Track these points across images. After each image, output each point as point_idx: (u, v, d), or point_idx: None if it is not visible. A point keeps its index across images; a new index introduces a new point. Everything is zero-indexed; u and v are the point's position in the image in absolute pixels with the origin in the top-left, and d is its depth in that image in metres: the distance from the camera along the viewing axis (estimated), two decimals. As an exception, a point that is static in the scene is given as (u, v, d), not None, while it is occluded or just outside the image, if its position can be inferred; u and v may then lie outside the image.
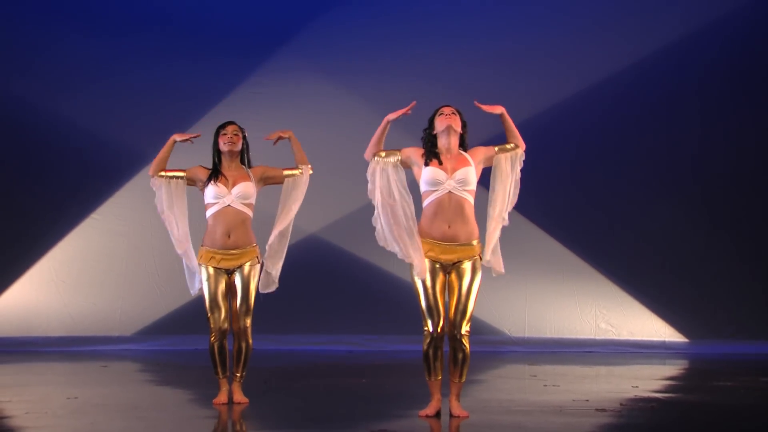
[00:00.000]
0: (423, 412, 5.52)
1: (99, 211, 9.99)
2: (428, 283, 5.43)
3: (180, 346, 9.60)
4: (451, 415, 5.48)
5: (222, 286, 5.93)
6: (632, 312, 10.25)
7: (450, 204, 5.46)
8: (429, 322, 5.42)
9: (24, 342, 9.83)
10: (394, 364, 8.89)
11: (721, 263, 10.27)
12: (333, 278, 9.91)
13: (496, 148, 5.71)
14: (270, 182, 6.19)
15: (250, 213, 6.03)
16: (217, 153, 6.12)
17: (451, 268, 5.48)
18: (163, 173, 6.06)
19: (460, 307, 5.42)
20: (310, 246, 10.03)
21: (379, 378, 7.41)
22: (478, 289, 5.47)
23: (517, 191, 5.70)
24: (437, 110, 5.70)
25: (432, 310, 5.42)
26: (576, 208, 10.34)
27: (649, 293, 10.22)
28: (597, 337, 10.23)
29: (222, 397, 5.99)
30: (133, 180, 9.92)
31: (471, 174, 5.52)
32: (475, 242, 5.50)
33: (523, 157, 5.75)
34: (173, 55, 10.12)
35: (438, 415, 5.53)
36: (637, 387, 6.97)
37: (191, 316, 9.30)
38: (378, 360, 8.94)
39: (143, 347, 9.70)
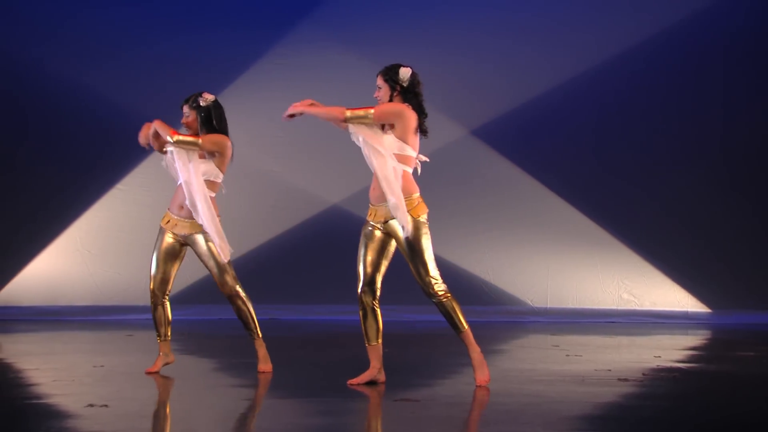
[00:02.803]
0: (353, 380, 5.52)
1: (124, 182, 10.04)
2: (361, 245, 5.52)
3: (204, 315, 9.65)
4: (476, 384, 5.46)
5: (164, 247, 5.96)
6: (654, 282, 10.21)
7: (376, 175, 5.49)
8: (358, 283, 5.54)
9: (50, 311, 9.91)
10: (415, 334, 8.90)
11: (745, 233, 10.21)
12: (355, 248, 9.94)
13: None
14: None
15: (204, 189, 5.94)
16: None
17: (386, 228, 5.47)
18: None
19: (414, 265, 5.41)
20: (332, 216, 10.04)
21: (400, 348, 7.43)
22: (423, 242, 5.37)
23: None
24: None
25: (357, 272, 5.52)
26: (598, 178, 10.29)
27: (671, 263, 10.17)
28: (619, 308, 10.20)
29: (155, 365, 5.98)
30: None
31: (390, 140, 5.44)
32: (404, 199, 5.40)
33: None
34: (197, 26, 10.10)
35: (372, 383, 5.50)
36: (659, 357, 6.95)
37: (215, 285, 9.33)
38: (399, 330, 8.95)
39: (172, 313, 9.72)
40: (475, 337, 5.51)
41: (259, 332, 6.06)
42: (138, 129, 6.09)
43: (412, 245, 5.39)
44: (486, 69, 10.20)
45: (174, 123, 6.11)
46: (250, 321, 6.03)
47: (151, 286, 6.01)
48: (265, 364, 6.05)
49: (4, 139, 10.04)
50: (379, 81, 5.56)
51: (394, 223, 5.43)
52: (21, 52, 9.98)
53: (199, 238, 5.93)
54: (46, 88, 10.00)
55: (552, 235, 10.22)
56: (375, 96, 5.59)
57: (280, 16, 10.17)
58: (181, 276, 9.82)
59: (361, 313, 5.56)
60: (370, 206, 5.54)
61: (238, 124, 10.12)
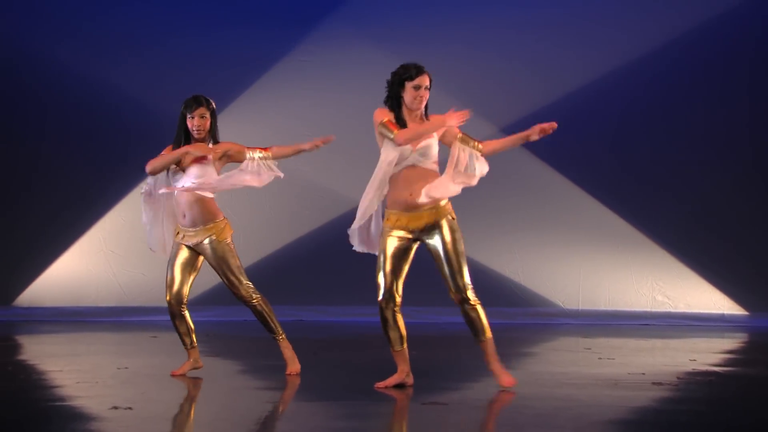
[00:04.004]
0: (380, 384, 5.45)
1: (148, 181, 10.01)
2: (387, 251, 5.40)
3: (228, 317, 9.61)
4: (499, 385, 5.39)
5: (179, 259, 5.94)
6: (690, 284, 10.08)
7: (413, 175, 5.39)
8: (379, 291, 5.42)
9: (74, 312, 9.93)
10: (444, 336, 8.84)
11: (782, 234, 10.08)
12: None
13: (460, 137, 5.45)
14: (232, 160, 6.03)
15: (203, 193, 5.90)
16: (185, 130, 5.99)
17: (422, 234, 5.39)
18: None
19: (450, 269, 5.34)
20: (359, 217, 9.99)
21: (427, 350, 7.37)
22: (460, 245, 5.37)
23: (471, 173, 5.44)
24: (409, 74, 5.41)
25: (377, 281, 5.42)
26: (630, 177, 10.20)
27: (707, 265, 10.04)
28: (653, 310, 10.09)
29: (182, 368, 5.97)
30: (182, 150, 9.95)
31: (433, 147, 5.41)
32: (442, 203, 5.40)
33: (482, 160, 5.47)
34: (221, 24, 10.11)
35: (400, 386, 5.45)
36: (694, 360, 6.85)
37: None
38: (427, 332, 8.89)
39: (192, 318, 9.70)
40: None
41: (281, 332, 6.01)
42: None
43: (449, 249, 5.36)
44: (515, 67, 10.13)
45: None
46: (270, 322, 5.99)
47: (168, 298, 6.00)
48: (293, 365, 6.00)
49: (27, 138, 10.10)
50: (428, 83, 5.43)
51: (435, 232, 5.36)
52: (44, 50, 10.02)
53: (207, 246, 5.90)
54: (69, 87, 10.03)
55: (584, 235, 10.13)
56: (422, 96, 5.40)
57: (305, 14, 10.16)
58: (206, 276, 9.87)
59: (382, 322, 5.48)
60: (393, 212, 5.42)
61: (263, 122, 10.14)
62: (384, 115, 5.47)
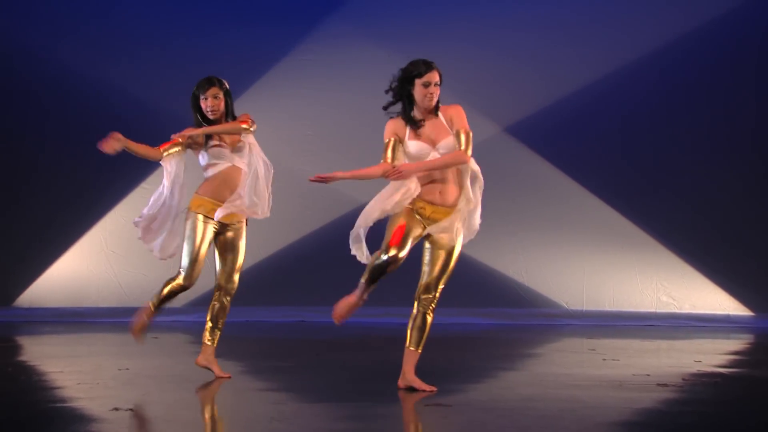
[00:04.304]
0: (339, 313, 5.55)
1: (149, 181, 10.01)
2: (398, 217, 5.36)
3: (229, 317, 9.52)
4: (413, 389, 5.41)
5: (207, 238, 5.87)
6: (695, 284, 10.05)
7: (437, 174, 5.38)
8: (391, 250, 5.30)
9: (75, 313, 9.93)
10: (448, 337, 8.81)
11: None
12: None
13: (468, 133, 5.43)
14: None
15: (247, 170, 5.95)
16: (200, 112, 5.95)
17: (432, 236, 5.40)
18: (166, 152, 5.98)
19: (440, 274, 5.43)
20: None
21: (431, 351, 7.32)
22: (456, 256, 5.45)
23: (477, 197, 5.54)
24: (419, 71, 5.37)
25: (385, 243, 5.34)
26: (635, 177, 10.18)
27: (712, 265, 10.01)
28: (658, 311, 10.06)
29: (218, 368, 5.95)
30: (183, 150, 9.94)
31: (452, 143, 5.39)
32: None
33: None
34: (223, 23, 10.11)
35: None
36: (700, 362, 6.81)
37: (241, 287, 9.28)
38: (431, 333, 8.84)
39: (193, 318, 9.67)
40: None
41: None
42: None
43: (450, 257, 5.42)
44: (519, 66, 10.11)
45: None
46: (223, 319, 6.02)
47: (187, 279, 5.89)
48: (217, 369, 6.00)
49: (27, 138, 10.11)
50: (438, 79, 5.41)
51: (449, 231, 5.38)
52: (44, 49, 10.02)
53: (239, 225, 5.92)
54: (69, 86, 10.03)
55: (589, 235, 10.10)
56: (433, 93, 5.37)
57: (306, 13, 10.15)
58: (207, 278, 9.84)
59: (375, 271, 5.34)
60: (420, 201, 5.38)
61: (265, 122, 10.09)
62: (388, 132, 5.47)
